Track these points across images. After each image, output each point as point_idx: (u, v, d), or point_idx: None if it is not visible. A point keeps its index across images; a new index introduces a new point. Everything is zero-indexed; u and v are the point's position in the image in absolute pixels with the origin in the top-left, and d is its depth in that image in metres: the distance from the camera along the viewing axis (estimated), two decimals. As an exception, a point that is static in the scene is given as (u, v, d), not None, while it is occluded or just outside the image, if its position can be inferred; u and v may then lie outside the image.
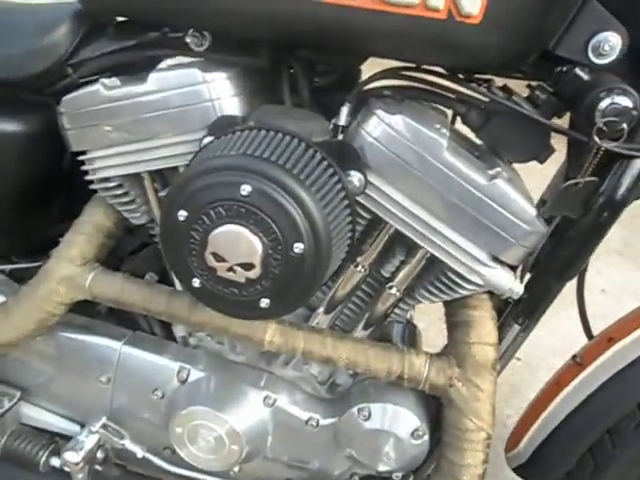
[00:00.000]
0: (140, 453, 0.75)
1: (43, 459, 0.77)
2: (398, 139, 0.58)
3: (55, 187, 0.79)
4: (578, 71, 0.56)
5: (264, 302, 0.54)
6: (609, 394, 0.70)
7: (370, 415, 0.68)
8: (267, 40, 0.63)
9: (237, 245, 0.51)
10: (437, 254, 0.62)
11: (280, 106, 0.62)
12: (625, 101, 0.52)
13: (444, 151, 0.57)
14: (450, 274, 0.63)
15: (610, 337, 0.71)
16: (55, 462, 0.77)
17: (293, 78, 0.65)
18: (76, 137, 0.67)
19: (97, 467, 0.78)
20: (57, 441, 0.80)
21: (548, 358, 0.73)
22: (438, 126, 0.59)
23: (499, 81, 0.64)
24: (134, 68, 0.70)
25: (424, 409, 0.70)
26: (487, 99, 0.60)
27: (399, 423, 0.68)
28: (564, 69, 0.57)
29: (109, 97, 0.64)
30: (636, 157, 0.57)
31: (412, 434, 0.68)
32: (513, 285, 0.62)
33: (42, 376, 0.79)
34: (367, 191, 0.59)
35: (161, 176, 0.69)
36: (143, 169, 0.67)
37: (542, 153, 0.62)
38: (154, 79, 0.62)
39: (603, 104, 0.53)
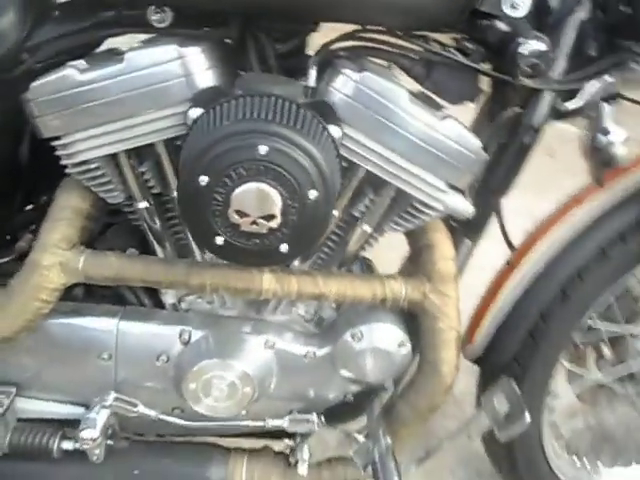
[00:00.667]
0: (157, 416, 0.79)
1: (55, 445, 0.79)
2: (366, 93, 0.67)
3: (14, 178, 0.77)
4: (499, 23, 0.69)
5: (284, 247, 0.61)
6: (539, 284, 0.88)
7: (362, 336, 0.79)
8: (229, 11, 0.68)
9: (259, 200, 0.58)
10: (405, 188, 0.73)
11: (258, 74, 0.68)
12: (541, 46, 0.66)
13: (405, 100, 0.68)
14: (416, 204, 0.75)
15: (534, 239, 0.89)
16: (68, 445, 0.79)
17: (258, 47, 0.71)
18: (48, 123, 0.68)
19: (108, 441, 0.81)
20: (62, 427, 0.81)
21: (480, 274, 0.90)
22: (396, 79, 0.69)
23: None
24: (89, 49, 0.71)
25: (402, 323, 0.82)
26: (430, 53, 0.71)
27: (387, 338, 0.80)
28: (489, 23, 0.69)
29: (83, 80, 0.65)
30: (548, 89, 0.72)
31: (399, 345, 0.80)
32: (466, 207, 0.76)
33: (35, 367, 0.79)
34: (342, 141, 0.68)
35: (137, 152, 0.72)
36: (123, 148, 0.69)
37: (474, 94, 0.75)
38: (130, 58, 0.65)
39: (524, 49, 0.67)
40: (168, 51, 0.65)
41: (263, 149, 0.56)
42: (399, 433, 0.84)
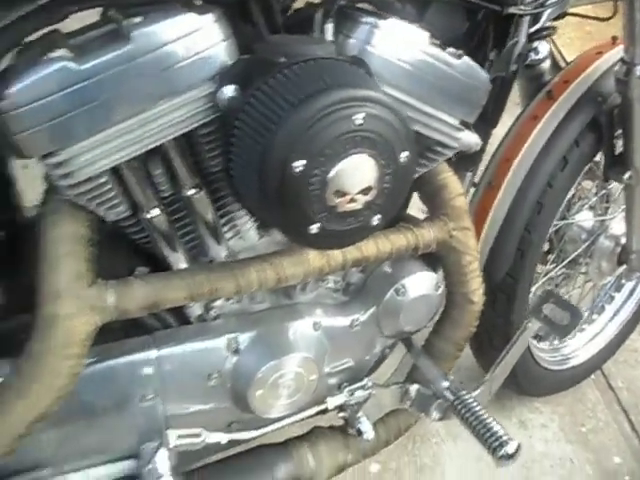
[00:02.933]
0: (225, 439, 0.71)
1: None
2: (390, 40, 0.63)
3: None
4: None
5: (375, 219, 0.57)
6: (519, 200, 0.95)
7: (405, 289, 0.79)
8: None
9: (357, 173, 0.53)
10: (424, 132, 0.72)
11: (282, 36, 0.60)
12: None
13: (427, 43, 0.66)
14: (434, 146, 0.75)
15: (507, 160, 0.95)
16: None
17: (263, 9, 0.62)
18: (35, 140, 0.52)
19: None
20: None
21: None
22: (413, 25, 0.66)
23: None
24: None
25: (429, 266, 0.84)
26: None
27: (426, 284, 0.81)
28: None
29: (81, 73, 0.51)
30: (529, 14, 0.76)
31: (436, 288, 0.82)
32: (476, 141, 0.78)
33: (68, 436, 0.65)
34: None
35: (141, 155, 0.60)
36: (136, 153, 0.57)
37: (461, 33, 0.76)
38: (138, 37, 0.52)
39: None
40: (184, 23, 0.53)
41: (359, 117, 0.50)
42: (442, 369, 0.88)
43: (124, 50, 0.52)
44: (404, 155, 0.55)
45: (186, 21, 0.54)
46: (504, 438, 0.72)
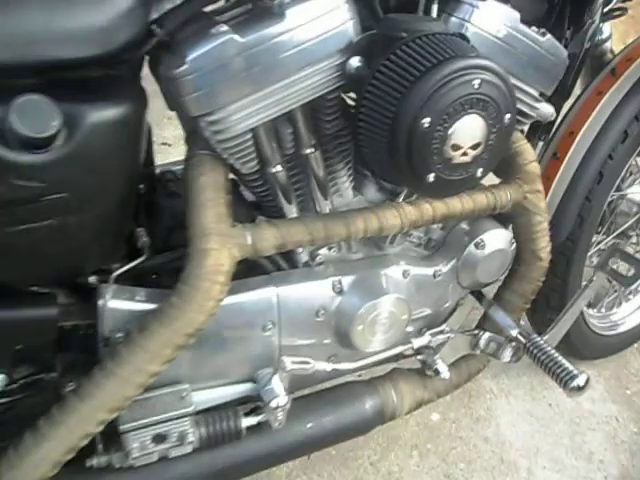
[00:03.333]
0: (329, 367, 0.82)
1: (242, 425, 0.79)
2: (488, 19, 0.73)
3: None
4: None
5: (479, 172, 0.67)
6: (581, 170, 1.04)
7: (484, 243, 0.89)
8: None
9: (471, 131, 0.63)
10: None
11: (399, 15, 0.70)
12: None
13: (518, 21, 0.75)
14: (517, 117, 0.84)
15: (572, 133, 1.04)
16: (252, 421, 0.80)
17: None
18: (201, 99, 0.63)
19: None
20: (235, 408, 0.81)
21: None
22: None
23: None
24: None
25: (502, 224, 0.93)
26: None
27: (502, 239, 0.91)
28: None
29: (245, 44, 0.62)
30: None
31: (510, 243, 0.92)
32: (551, 111, 0.87)
33: (202, 358, 0.76)
34: None
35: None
36: (280, 112, 0.68)
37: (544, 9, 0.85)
38: (291, 14, 0.63)
39: None
40: (324, 3, 0.64)
41: (476, 82, 0.60)
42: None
43: (279, 25, 0.62)
44: (508, 117, 0.65)
45: (325, 1, 0.64)
46: (575, 372, 0.81)
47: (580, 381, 0.80)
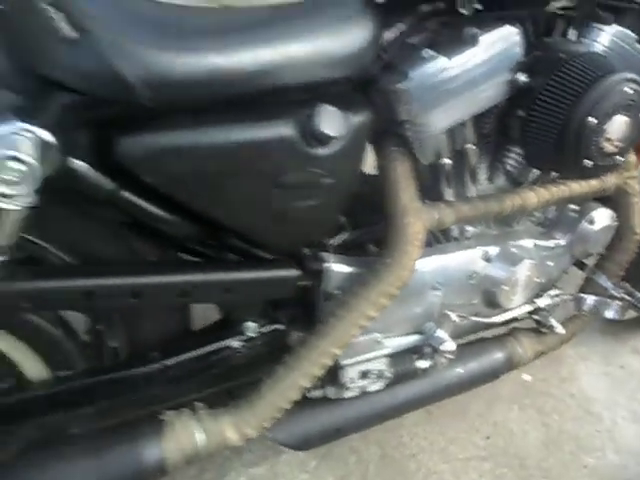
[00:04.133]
0: (482, 322, 1.02)
1: (418, 366, 0.98)
2: (615, 41, 0.93)
3: None
4: None
5: (619, 159, 0.88)
6: None
7: (594, 220, 1.10)
8: None
9: (620, 127, 0.83)
10: None
11: (555, 39, 0.90)
12: None
13: (634, 39, 0.96)
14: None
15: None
16: (425, 364, 0.99)
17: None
18: (415, 106, 0.83)
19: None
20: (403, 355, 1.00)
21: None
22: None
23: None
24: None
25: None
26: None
27: (608, 217, 1.11)
28: None
29: (450, 66, 0.82)
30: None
31: (614, 220, 1.12)
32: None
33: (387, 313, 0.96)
34: None
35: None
36: (468, 115, 0.88)
37: None
38: (483, 40, 0.83)
39: None
40: (504, 32, 0.84)
41: (630, 90, 0.81)
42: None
43: (475, 49, 0.83)
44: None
45: (505, 30, 0.85)
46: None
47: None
